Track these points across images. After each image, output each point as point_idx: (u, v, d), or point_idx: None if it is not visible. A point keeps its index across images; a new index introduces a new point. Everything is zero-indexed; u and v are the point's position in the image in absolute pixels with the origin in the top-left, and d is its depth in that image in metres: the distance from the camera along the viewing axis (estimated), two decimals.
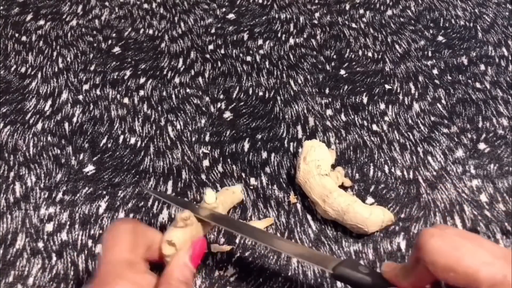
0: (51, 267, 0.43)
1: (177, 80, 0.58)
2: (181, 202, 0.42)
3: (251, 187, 0.48)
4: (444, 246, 0.27)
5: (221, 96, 0.56)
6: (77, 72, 0.59)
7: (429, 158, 0.50)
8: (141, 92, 0.57)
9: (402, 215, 0.46)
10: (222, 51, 0.62)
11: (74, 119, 0.54)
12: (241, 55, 0.61)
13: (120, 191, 0.48)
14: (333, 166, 0.48)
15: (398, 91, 0.56)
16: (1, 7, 0.68)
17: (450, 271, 0.27)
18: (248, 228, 0.39)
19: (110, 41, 0.63)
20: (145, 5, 0.68)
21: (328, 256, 0.38)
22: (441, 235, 0.28)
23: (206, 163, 0.50)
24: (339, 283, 0.41)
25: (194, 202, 0.46)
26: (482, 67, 0.59)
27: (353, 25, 0.65)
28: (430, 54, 0.61)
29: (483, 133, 0.52)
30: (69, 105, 0.55)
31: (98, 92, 0.57)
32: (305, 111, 0.54)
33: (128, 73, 0.59)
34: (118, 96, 0.56)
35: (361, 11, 0.67)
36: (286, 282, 0.41)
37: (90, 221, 0.46)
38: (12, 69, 0.60)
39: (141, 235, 0.34)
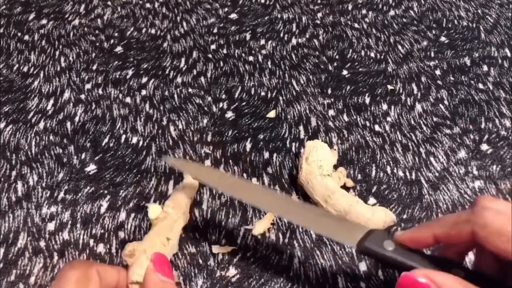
0: (53, 266, 0.43)
1: (179, 79, 0.58)
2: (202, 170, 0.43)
3: None
4: (500, 216, 0.28)
5: (223, 96, 0.56)
6: (79, 71, 0.59)
7: (432, 159, 0.50)
8: (143, 92, 0.57)
9: (404, 216, 0.45)
10: (225, 51, 0.62)
11: (76, 118, 0.54)
12: (243, 55, 0.61)
13: (121, 191, 0.48)
14: (335, 167, 0.47)
15: (401, 91, 0.56)
16: (4, 6, 0.68)
17: (501, 235, 0.28)
18: (264, 196, 0.38)
19: (112, 41, 0.63)
20: (148, 5, 0.68)
21: (353, 225, 0.36)
22: (497, 209, 0.29)
23: (208, 163, 0.50)
24: (340, 284, 0.41)
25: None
26: (485, 68, 0.59)
27: (356, 25, 0.65)
28: (432, 55, 0.60)
29: (486, 134, 0.52)
30: (71, 104, 0.56)
31: (100, 92, 0.57)
32: (307, 111, 0.54)
33: (130, 72, 0.59)
34: (120, 95, 0.56)
35: (364, 11, 0.67)
36: (288, 283, 0.41)
37: (91, 220, 0.46)
38: (15, 68, 0.60)
39: (93, 282, 0.31)
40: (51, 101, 0.56)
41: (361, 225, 0.35)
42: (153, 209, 0.38)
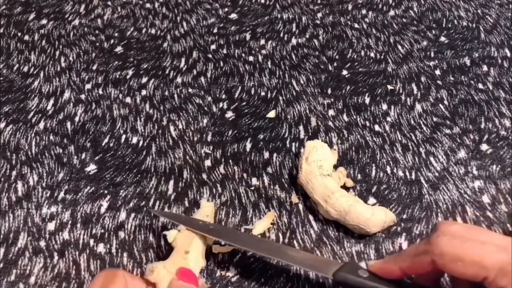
0: (53, 266, 0.43)
1: (179, 79, 0.58)
2: (184, 219, 0.43)
3: (253, 188, 0.48)
4: (453, 241, 0.29)
5: (223, 96, 0.56)
6: (79, 71, 0.59)
7: (431, 159, 0.50)
8: (143, 92, 0.57)
9: (404, 216, 0.46)
10: (225, 51, 0.62)
11: (76, 118, 0.54)
12: (243, 55, 0.61)
13: (121, 191, 0.48)
14: (335, 167, 0.48)
15: (401, 91, 0.56)
16: (4, 6, 0.68)
17: (458, 261, 0.29)
18: (243, 238, 0.41)
19: (112, 41, 0.63)
20: (148, 5, 0.68)
21: (329, 260, 0.39)
22: (451, 232, 0.30)
23: (208, 163, 0.50)
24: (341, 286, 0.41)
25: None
26: (485, 68, 0.59)
27: (356, 25, 0.65)
28: (432, 55, 0.60)
29: (486, 134, 0.52)
30: (71, 104, 0.56)
31: (100, 92, 0.57)
32: (307, 111, 0.54)
33: (130, 72, 0.59)
34: (120, 95, 0.56)
35: (364, 11, 0.67)
36: (288, 283, 0.41)
37: (92, 220, 0.46)
38: (15, 68, 0.60)
39: (119, 284, 0.32)
40: (51, 101, 0.56)
41: (335, 260, 0.39)
42: (171, 234, 0.40)
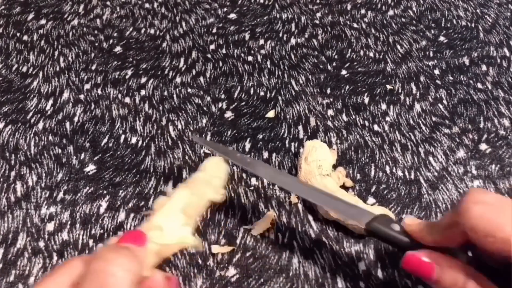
0: (52, 267, 0.43)
1: (178, 79, 0.58)
2: (222, 149, 0.44)
3: (252, 188, 0.48)
4: (486, 213, 0.28)
5: (223, 96, 0.56)
6: (78, 71, 0.59)
7: (431, 158, 0.50)
8: (143, 92, 0.57)
9: (404, 216, 0.46)
10: (224, 51, 0.62)
11: (75, 119, 0.54)
12: (242, 55, 0.61)
13: (121, 191, 0.48)
14: (335, 167, 0.48)
15: (400, 91, 0.56)
16: (3, 6, 0.68)
17: (489, 237, 0.28)
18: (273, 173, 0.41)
19: (111, 41, 0.63)
20: (147, 5, 0.68)
21: (361, 210, 0.37)
22: (484, 202, 0.29)
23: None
24: (339, 283, 0.41)
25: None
26: (484, 67, 0.59)
27: (355, 25, 0.65)
28: (431, 55, 0.60)
29: (485, 133, 0.52)
30: (70, 104, 0.55)
31: (99, 92, 0.57)
32: (307, 111, 0.54)
33: (129, 72, 0.59)
34: (120, 95, 0.56)
35: (363, 11, 0.67)
36: (287, 283, 0.41)
37: (91, 220, 0.46)
38: (14, 68, 0.60)
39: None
40: (50, 101, 0.56)
41: (368, 211, 0.37)
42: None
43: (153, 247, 0.32)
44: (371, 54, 0.61)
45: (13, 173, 0.49)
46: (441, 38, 0.63)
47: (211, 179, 0.39)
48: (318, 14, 0.66)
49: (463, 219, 0.29)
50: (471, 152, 0.50)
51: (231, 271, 0.42)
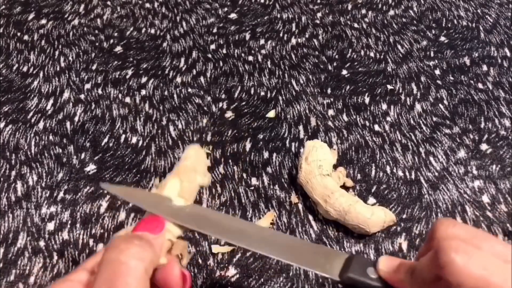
0: (52, 266, 0.43)
1: (178, 79, 0.58)
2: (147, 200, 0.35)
3: (252, 187, 0.48)
4: (471, 267, 0.25)
5: (223, 96, 0.56)
6: (79, 71, 0.59)
7: (431, 158, 0.50)
8: (143, 92, 0.57)
9: (404, 216, 0.45)
10: (224, 51, 0.61)
11: (76, 118, 0.54)
12: (243, 54, 0.61)
13: None
14: (335, 166, 0.47)
15: (400, 91, 0.56)
16: (3, 6, 0.68)
17: (466, 276, 0.25)
18: (227, 226, 0.33)
19: (112, 41, 0.63)
20: (147, 5, 0.68)
21: (330, 252, 0.32)
22: (466, 251, 0.26)
23: (207, 163, 0.50)
24: (340, 285, 0.41)
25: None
26: (485, 67, 0.59)
27: (355, 25, 0.65)
28: (432, 55, 0.60)
29: (485, 134, 0.52)
30: (71, 104, 0.56)
31: (99, 91, 0.57)
32: (307, 111, 0.54)
33: (130, 72, 0.59)
34: (120, 95, 0.56)
35: (363, 11, 0.66)
36: (287, 283, 0.41)
37: (91, 220, 0.46)
38: (14, 68, 0.60)
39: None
40: (51, 101, 0.56)
41: (337, 251, 0.32)
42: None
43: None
44: (372, 54, 0.61)
45: (13, 173, 0.49)
46: (442, 38, 0.63)
47: (196, 165, 0.39)
48: (319, 14, 0.66)
49: (447, 275, 0.25)
50: (471, 152, 0.50)
51: (231, 271, 0.42)
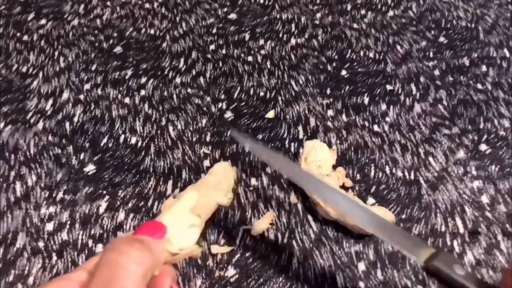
0: (52, 267, 0.43)
1: (178, 80, 0.58)
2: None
3: (251, 188, 0.48)
4: None
5: (222, 96, 0.56)
6: (78, 71, 0.59)
7: (430, 159, 0.50)
8: (142, 92, 0.57)
9: (403, 216, 0.45)
10: (224, 51, 0.61)
11: (75, 119, 0.54)
12: (242, 55, 0.61)
13: (120, 191, 0.48)
14: (334, 167, 0.47)
15: (400, 92, 0.56)
16: (3, 6, 0.68)
17: None
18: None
19: (111, 41, 0.63)
20: (147, 5, 0.68)
21: (418, 241, 0.33)
22: None
23: (206, 163, 0.50)
24: (339, 283, 0.41)
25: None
26: (484, 68, 0.59)
27: (355, 25, 0.65)
28: (431, 55, 0.60)
29: (485, 134, 0.52)
30: (70, 104, 0.55)
31: (99, 92, 0.57)
32: (306, 111, 0.54)
33: (129, 72, 0.59)
34: (119, 95, 0.56)
35: (363, 11, 0.67)
36: (287, 283, 0.41)
37: (90, 220, 0.45)
38: (14, 68, 0.60)
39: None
40: (50, 102, 0.56)
41: (425, 243, 0.33)
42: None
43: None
44: (371, 55, 0.61)
45: (12, 173, 0.49)
46: (441, 39, 0.63)
47: (219, 183, 0.39)
48: (318, 15, 0.66)
49: None
50: (471, 153, 0.50)
51: (231, 271, 0.42)
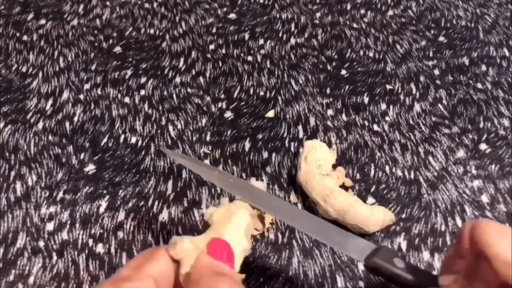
0: (52, 266, 0.43)
1: (178, 79, 0.58)
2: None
3: None
4: (506, 234, 0.25)
5: (222, 96, 0.56)
6: (78, 71, 0.59)
7: (430, 158, 0.50)
8: (142, 92, 0.57)
9: (403, 215, 0.46)
10: (223, 51, 0.62)
11: (75, 119, 0.54)
12: (242, 54, 0.61)
13: (120, 191, 0.48)
14: (334, 166, 0.47)
15: (399, 91, 0.56)
16: (2, 7, 0.68)
17: None
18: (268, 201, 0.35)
19: (111, 41, 0.63)
20: (146, 5, 0.68)
21: (360, 241, 0.33)
22: (494, 224, 0.25)
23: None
24: (339, 283, 0.41)
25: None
26: (484, 67, 0.59)
27: (354, 25, 0.65)
28: (431, 55, 0.60)
29: (484, 133, 0.52)
30: (70, 104, 0.55)
31: (99, 92, 0.57)
32: (306, 111, 0.54)
33: (129, 72, 0.59)
34: (119, 95, 0.56)
35: (362, 11, 0.67)
36: (287, 282, 0.41)
37: (90, 220, 0.46)
38: (13, 68, 0.60)
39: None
40: (50, 101, 0.56)
41: (365, 241, 0.33)
42: (208, 211, 0.34)
43: None
44: (371, 54, 0.61)
45: (12, 173, 0.49)
46: (441, 38, 0.63)
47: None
48: (318, 14, 0.66)
49: (483, 247, 0.25)
50: (470, 152, 0.50)
51: None
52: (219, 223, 0.32)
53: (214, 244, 0.29)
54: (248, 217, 0.34)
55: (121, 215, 0.46)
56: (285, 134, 0.52)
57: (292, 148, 0.51)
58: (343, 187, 0.46)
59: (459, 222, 0.45)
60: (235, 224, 0.32)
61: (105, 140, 0.52)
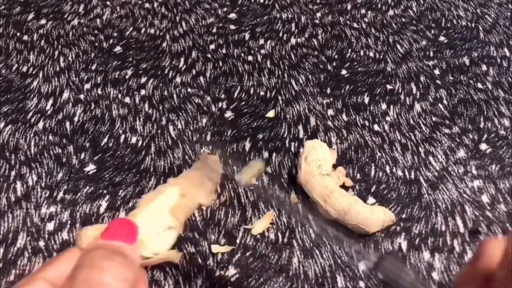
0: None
1: (178, 79, 0.58)
2: None
3: (252, 187, 0.48)
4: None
5: (223, 96, 0.56)
6: (78, 71, 0.59)
7: (431, 158, 0.50)
8: (142, 92, 0.57)
9: (403, 215, 0.46)
10: (224, 51, 0.61)
11: (75, 118, 0.54)
12: (242, 54, 0.61)
13: (121, 191, 0.48)
14: (334, 166, 0.47)
15: (400, 91, 0.56)
16: (3, 6, 0.68)
17: None
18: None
19: (111, 41, 0.63)
20: (147, 5, 0.68)
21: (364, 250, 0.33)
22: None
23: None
24: (339, 283, 0.41)
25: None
26: (484, 67, 0.59)
27: (355, 25, 0.65)
28: (431, 54, 0.60)
29: (485, 133, 0.52)
30: (71, 104, 0.55)
31: (99, 92, 0.57)
32: (307, 111, 0.54)
33: (129, 72, 0.59)
34: (120, 95, 0.56)
35: (363, 11, 0.67)
36: (287, 282, 0.41)
37: (91, 220, 0.46)
38: (14, 68, 0.60)
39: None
40: (50, 101, 0.56)
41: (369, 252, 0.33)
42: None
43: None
44: (371, 54, 0.61)
45: (13, 173, 0.49)
46: (441, 38, 0.63)
47: (204, 181, 0.36)
48: (318, 14, 0.66)
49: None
50: (471, 152, 0.50)
51: (231, 271, 0.42)
52: (143, 205, 0.32)
53: (109, 226, 0.28)
54: (176, 196, 0.34)
55: (121, 215, 0.46)
56: (286, 134, 0.52)
57: (292, 148, 0.51)
58: (344, 187, 0.46)
59: (459, 222, 0.45)
60: (158, 203, 0.33)
61: (105, 140, 0.52)
